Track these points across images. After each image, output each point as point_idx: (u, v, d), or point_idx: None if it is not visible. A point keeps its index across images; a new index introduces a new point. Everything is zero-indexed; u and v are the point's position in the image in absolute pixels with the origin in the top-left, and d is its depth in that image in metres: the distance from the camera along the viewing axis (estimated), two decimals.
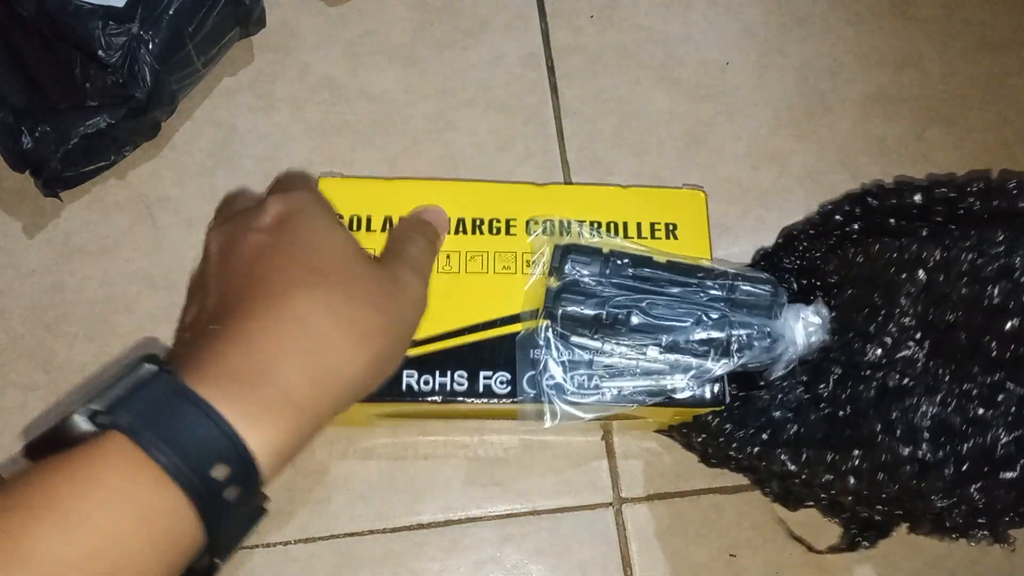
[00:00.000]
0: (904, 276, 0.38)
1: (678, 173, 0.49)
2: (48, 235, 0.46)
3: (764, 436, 0.38)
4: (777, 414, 0.38)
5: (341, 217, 0.41)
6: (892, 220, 0.42)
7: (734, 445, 0.39)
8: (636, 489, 0.43)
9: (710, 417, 0.39)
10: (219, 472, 0.24)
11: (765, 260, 0.46)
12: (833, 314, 0.40)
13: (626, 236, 0.41)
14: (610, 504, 0.43)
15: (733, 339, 0.36)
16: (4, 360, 0.44)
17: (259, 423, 0.25)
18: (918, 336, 0.38)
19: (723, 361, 0.36)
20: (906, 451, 0.34)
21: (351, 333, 0.28)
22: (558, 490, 0.43)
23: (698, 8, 0.54)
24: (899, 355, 0.38)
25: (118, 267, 0.46)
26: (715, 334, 0.36)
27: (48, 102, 0.45)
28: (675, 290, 0.38)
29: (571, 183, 0.49)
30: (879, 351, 0.38)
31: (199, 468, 0.23)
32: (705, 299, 0.37)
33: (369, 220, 0.41)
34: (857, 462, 0.35)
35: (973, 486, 0.34)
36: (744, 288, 0.37)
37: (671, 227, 0.41)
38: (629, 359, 0.37)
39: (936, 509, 0.35)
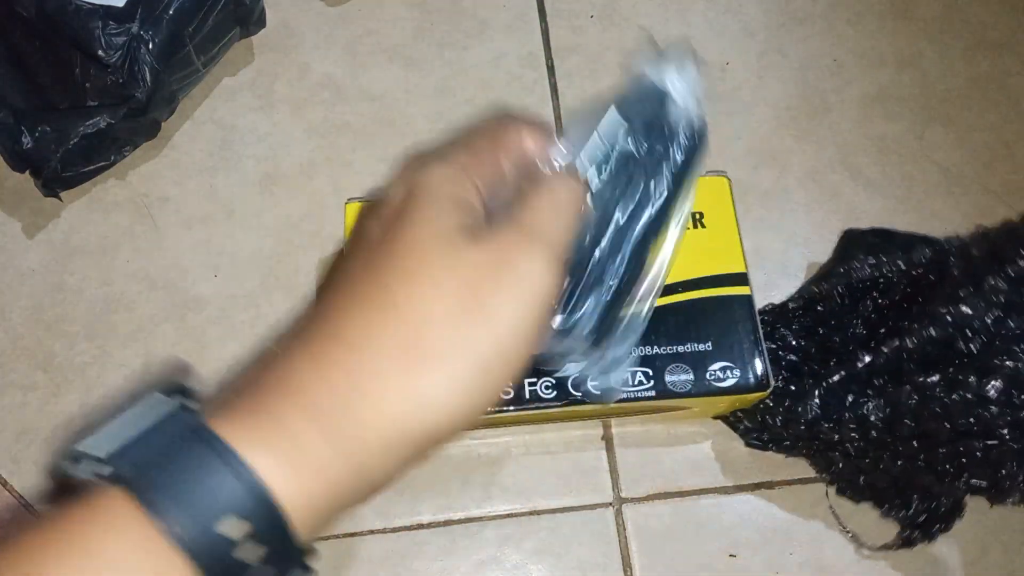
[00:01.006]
0: None
1: None
2: (48, 235, 0.46)
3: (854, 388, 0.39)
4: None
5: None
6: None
7: (811, 414, 0.39)
8: (636, 489, 0.43)
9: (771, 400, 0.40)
10: (231, 529, 0.20)
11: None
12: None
13: None
14: (610, 504, 0.43)
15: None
16: (4, 360, 0.44)
17: (296, 468, 0.21)
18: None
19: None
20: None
21: (427, 354, 0.22)
22: (558, 490, 0.43)
23: (698, 8, 0.54)
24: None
25: (118, 267, 0.46)
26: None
27: (48, 102, 0.45)
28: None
29: None
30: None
31: (206, 525, 0.20)
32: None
33: None
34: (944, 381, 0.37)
35: None
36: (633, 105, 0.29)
37: (698, 216, 0.41)
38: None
39: None
